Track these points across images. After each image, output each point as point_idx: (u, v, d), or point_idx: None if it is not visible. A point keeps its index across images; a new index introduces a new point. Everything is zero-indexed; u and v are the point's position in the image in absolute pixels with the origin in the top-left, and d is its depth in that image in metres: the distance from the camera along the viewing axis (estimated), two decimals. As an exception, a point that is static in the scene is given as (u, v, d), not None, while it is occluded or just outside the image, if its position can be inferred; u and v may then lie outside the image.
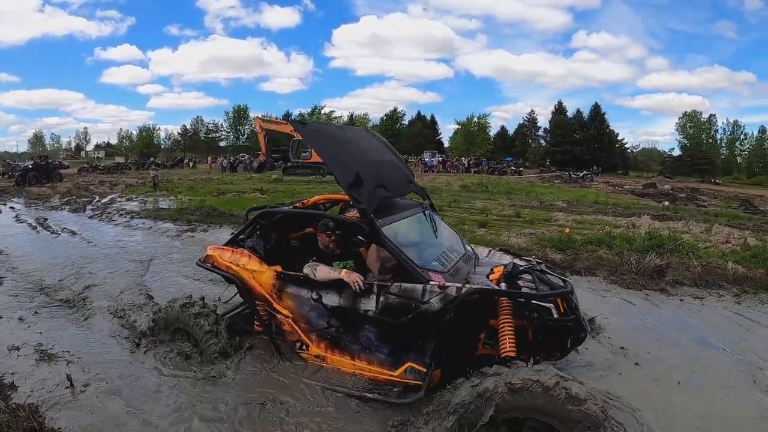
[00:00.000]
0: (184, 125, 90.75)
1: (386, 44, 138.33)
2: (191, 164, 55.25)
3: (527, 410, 3.50)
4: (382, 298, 4.44)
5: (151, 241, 11.52)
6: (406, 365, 4.44)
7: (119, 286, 7.85)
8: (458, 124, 77.37)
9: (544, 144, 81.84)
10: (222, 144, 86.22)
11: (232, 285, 5.40)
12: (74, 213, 16.97)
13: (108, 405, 4.44)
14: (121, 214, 15.80)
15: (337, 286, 4.65)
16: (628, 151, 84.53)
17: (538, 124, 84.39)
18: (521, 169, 54.27)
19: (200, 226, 13.02)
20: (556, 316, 4.23)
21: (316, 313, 4.79)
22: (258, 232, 5.63)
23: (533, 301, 4.24)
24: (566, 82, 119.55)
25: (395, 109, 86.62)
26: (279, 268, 5.01)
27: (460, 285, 4.25)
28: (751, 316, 7.15)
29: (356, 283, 4.45)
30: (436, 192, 24.29)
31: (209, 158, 52.33)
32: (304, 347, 4.96)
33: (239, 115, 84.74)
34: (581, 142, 75.32)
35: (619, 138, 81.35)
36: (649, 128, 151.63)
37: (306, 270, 4.74)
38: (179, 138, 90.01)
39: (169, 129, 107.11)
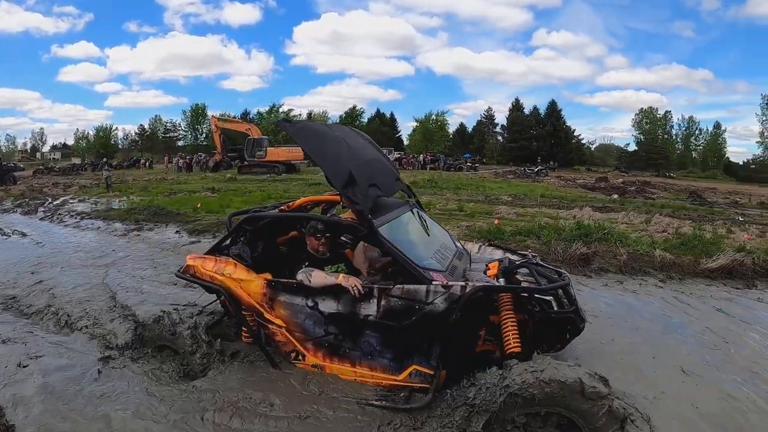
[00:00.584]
0: (141, 125, 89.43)
1: (347, 42, 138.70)
2: (147, 164, 54.66)
3: (554, 405, 3.54)
4: (383, 302, 4.28)
5: (99, 240, 11.71)
6: (411, 368, 4.34)
7: (65, 282, 8.08)
8: (416, 121, 77.89)
9: (501, 140, 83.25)
10: (180, 143, 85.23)
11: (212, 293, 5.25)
12: (26, 215, 16.84)
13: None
14: (72, 216, 15.80)
15: (334, 291, 4.42)
16: (585, 146, 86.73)
17: (496, 121, 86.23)
18: (477, 165, 55.33)
19: (147, 225, 13.22)
20: (556, 308, 4.23)
21: (313, 321, 4.56)
22: (242, 239, 5.27)
23: (536, 295, 4.24)
24: (526, 79, 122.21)
25: (354, 107, 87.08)
26: (269, 276, 4.73)
27: (463, 283, 4.16)
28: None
29: (355, 288, 4.26)
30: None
31: (166, 158, 51.82)
32: (300, 357, 4.73)
33: (197, 114, 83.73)
34: (538, 138, 77.06)
35: (576, 134, 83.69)
36: (608, 125, 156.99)
37: (300, 276, 4.51)
38: (137, 138, 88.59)
39: (127, 129, 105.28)
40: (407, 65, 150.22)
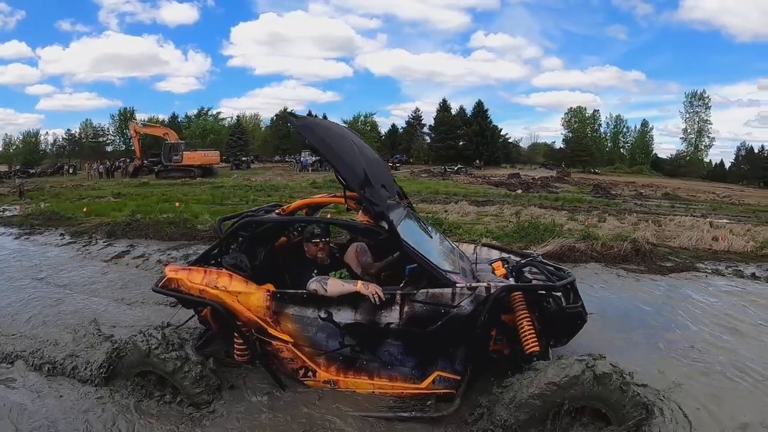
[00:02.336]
0: (68, 129, 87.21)
1: (286, 42, 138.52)
2: (70, 171, 54.06)
3: (595, 400, 3.56)
4: (406, 308, 4.12)
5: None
6: (434, 375, 4.22)
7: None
8: (344, 123, 79.21)
9: (428, 141, 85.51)
10: (108, 149, 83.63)
11: (184, 309, 5.10)
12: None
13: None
14: (-24, 222, 16.65)
15: (351, 300, 4.18)
16: (512, 145, 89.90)
17: (423, 122, 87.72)
18: (398, 165, 57.20)
19: (39, 229, 14.06)
20: (564, 303, 4.27)
21: (326, 334, 4.28)
22: (235, 246, 4.83)
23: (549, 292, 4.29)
24: (464, 80, 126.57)
25: (285, 109, 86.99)
26: (271, 287, 4.38)
27: (486, 284, 4.11)
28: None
29: (375, 295, 4.05)
30: (284, 189, 26.03)
31: (87, 164, 51.45)
32: (310, 374, 4.42)
33: (125, 118, 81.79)
34: (463, 137, 79.46)
35: (503, 133, 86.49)
36: (544, 124, 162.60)
37: (314, 286, 4.20)
38: (65, 144, 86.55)
39: (57, 133, 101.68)
40: (346, 67, 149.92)
